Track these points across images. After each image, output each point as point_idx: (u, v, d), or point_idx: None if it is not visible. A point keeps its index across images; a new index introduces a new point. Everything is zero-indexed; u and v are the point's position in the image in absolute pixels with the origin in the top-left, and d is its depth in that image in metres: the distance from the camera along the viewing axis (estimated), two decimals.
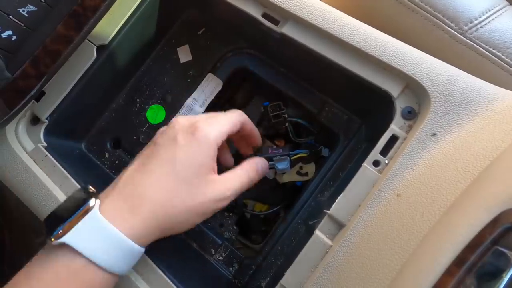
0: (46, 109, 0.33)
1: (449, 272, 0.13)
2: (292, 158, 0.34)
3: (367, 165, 0.24)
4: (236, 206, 0.39)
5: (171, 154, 0.24)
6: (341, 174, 0.33)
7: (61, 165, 0.31)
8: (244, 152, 0.35)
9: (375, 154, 0.24)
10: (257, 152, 0.34)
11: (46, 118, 0.33)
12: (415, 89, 0.24)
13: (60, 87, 0.34)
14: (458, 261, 0.13)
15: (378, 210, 0.21)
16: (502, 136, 0.18)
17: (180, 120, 0.27)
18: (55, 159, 0.32)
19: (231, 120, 0.28)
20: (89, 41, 0.34)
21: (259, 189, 0.39)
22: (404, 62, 0.24)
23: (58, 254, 0.21)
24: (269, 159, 0.33)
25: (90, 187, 0.24)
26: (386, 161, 0.24)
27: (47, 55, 0.26)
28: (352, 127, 0.34)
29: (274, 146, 0.36)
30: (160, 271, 0.27)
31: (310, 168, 0.37)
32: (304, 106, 0.36)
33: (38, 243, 0.48)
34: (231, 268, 0.34)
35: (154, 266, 0.26)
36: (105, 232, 0.22)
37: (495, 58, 0.26)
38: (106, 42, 0.34)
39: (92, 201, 0.23)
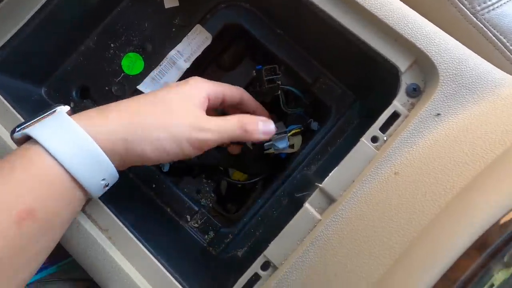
0: None
1: (468, 255, 0.13)
2: (289, 134, 0.32)
3: (365, 140, 0.23)
4: (215, 173, 0.38)
5: (160, 90, 0.24)
6: (330, 149, 0.32)
7: (15, 110, 0.27)
8: None
9: (374, 130, 0.23)
10: None
11: None
12: (424, 66, 0.23)
13: (15, 15, 0.28)
14: (479, 245, 0.13)
15: (373, 187, 0.20)
16: (503, 123, 0.18)
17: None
18: (8, 102, 0.27)
19: (229, 86, 0.28)
20: None
21: (240, 157, 0.37)
22: (417, 35, 0.22)
23: (17, 150, 0.20)
24: (267, 140, 0.30)
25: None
26: (385, 138, 0.23)
27: None
28: (345, 101, 0.33)
29: None
30: (127, 231, 0.24)
31: (297, 140, 0.36)
32: (298, 75, 0.34)
33: None
34: (206, 236, 0.33)
35: (122, 225, 0.24)
36: (67, 126, 0.20)
37: (500, 44, 0.26)
38: None
39: (60, 107, 0.22)
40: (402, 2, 0.24)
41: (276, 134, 0.30)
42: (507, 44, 0.26)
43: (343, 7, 0.24)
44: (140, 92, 0.34)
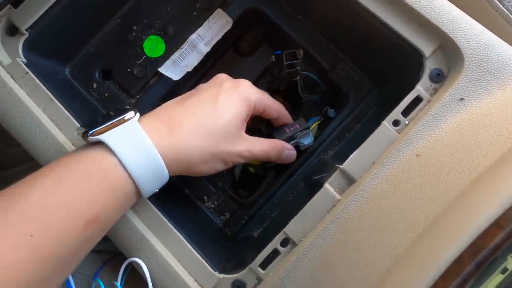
0: (26, 18, 0.28)
1: (497, 224, 0.13)
2: (311, 128, 0.32)
3: (386, 123, 0.23)
4: None
5: (214, 94, 0.25)
6: (347, 135, 0.32)
7: (45, 87, 0.27)
8: None
9: (396, 113, 0.23)
10: (273, 132, 0.32)
11: (26, 30, 0.28)
12: (449, 51, 0.23)
13: None
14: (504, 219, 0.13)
15: (395, 168, 0.21)
16: None
17: (225, 75, 0.28)
18: (38, 79, 0.28)
19: (273, 101, 0.29)
20: None
21: None
22: (444, 20, 0.22)
23: (92, 151, 0.21)
24: (291, 138, 0.31)
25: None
26: (406, 122, 0.23)
27: None
28: (363, 89, 0.33)
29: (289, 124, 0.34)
30: (153, 206, 0.25)
31: (313, 127, 0.36)
32: (316, 61, 0.34)
33: (6, 176, 0.44)
34: (222, 217, 0.34)
35: (153, 207, 0.25)
36: (141, 141, 0.22)
37: None
38: None
39: (130, 113, 0.23)
40: None
41: (299, 131, 0.31)
42: None
43: None
44: (161, 75, 0.34)
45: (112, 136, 0.21)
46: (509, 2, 0.26)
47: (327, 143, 0.33)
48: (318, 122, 0.33)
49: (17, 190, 0.20)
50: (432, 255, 0.14)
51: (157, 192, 0.31)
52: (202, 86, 0.27)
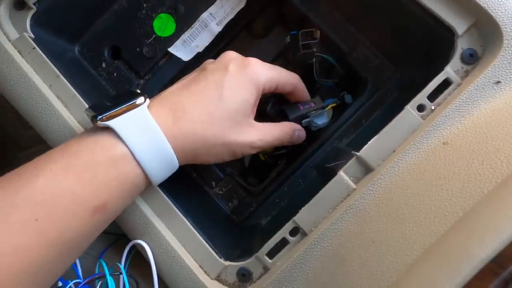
0: None
1: None
2: (326, 109, 0.30)
3: (410, 108, 0.21)
4: None
5: (220, 78, 0.23)
6: (364, 122, 0.30)
7: (53, 63, 0.27)
8: None
9: (421, 97, 0.21)
10: (286, 109, 0.30)
11: (34, 4, 0.28)
12: (485, 29, 0.21)
13: None
14: None
15: (418, 157, 0.19)
16: None
17: (233, 53, 0.26)
18: (45, 55, 0.27)
19: (286, 73, 0.27)
20: None
21: None
22: None
23: (100, 137, 0.21)
24: (304, 116, 0.29)
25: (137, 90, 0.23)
26: (433, 107, 0.21)
27: None
28: (384, 73, 0.31)
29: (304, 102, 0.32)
30: (163, 194, 0.24)
31: (328, 113, 0.35)
32: (335, 43, 0.32)
33: (21, 157, 0.45)
34: (230, 204, 0.33)
35: (159, 191, 0.24)
36: (150, 129, 0.21)
37: None
38: None
39: (141, 99, 0.22)
40: None
41: (313, 110, 0.29)
42: None
43: None
44: (171, 55, 0.33)
45: (121, 123, 0.21)
46: None
47: (343, 130, 0.31)
48: (334, 104, 0.31)
49: (25, 175, 0.19)
50: (464, 252, 0.12)
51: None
52: (208, 66, 0.25)
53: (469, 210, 0.14)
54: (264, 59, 0.29)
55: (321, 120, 0.29)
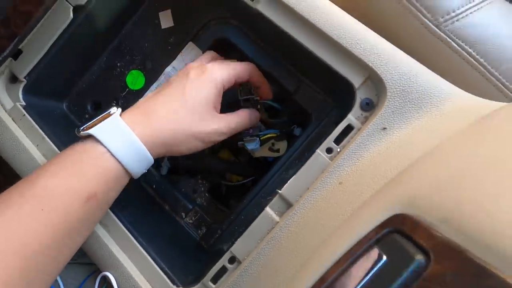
0: (24, 67, 0.34)
1: (338, 263, 0.15)
2: (262, 138, 0.35)
3: (320, 151, 0.25)
4: (210, 175, 0.42)
5: (182, 85, 0.28)
6: (306, 155, 0.34)
7: (39, 126, 0.33)
8: None
9: (329, 141, 0.25)
10: None
11: (24, 77, 0.34)
12: (376, 81, 0.24)
13: (38, 47, 0.34)
14: (347, 255, 0.15)
15: (320, 195, 0.23)
16: (433, 139, 0.19)
17: (193, 64, 0.31)
18: (34, 119, 0.33)
19: (239, 67, 0.31)
20: (66, 0, 0.33)
21: (234, 162, 0.41)
22: (368, 53, 0.24)
23: (85, 143, 0.26)
24: (240, 139, 0.34)
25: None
26: (339, 149, 0.25)
27: (18, 16, 0.26)
28: (325, 108, 0.35)
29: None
30: (123, 227, 0.29)
31: (282, 145, 0.39)
32: (280, 84, 0.36)
33: None
34: (199, 231, 0.37)
35: (119, 222, 0.29)
36: (122, 131, 0.26)
37: (466, 54, 0.26)
38: (83, 3, 0.33)
39: (113, 109, 0.27)
40: (359, 22, 0.25)
41: (249, 135, 0.34)
42: (473, 54, 0.26)
43: (301, 28, 0.26)
44: None
45: (98, 129, 0.26)
46: (446, 27, 0.26)
47: (290, 162, 0.35)
48: (273, 135, 0.36)
49: (31, 177, 0.25)
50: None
51: (138, 208, 0.36)
52: (173, 77, 0.30)
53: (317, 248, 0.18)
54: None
55: (251, 146, 0.34)
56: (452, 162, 0.16)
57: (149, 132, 0.27)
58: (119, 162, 0.26)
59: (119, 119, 0.27)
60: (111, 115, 0.27)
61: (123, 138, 0.26)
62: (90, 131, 0.26)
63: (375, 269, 0.14)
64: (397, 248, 0.14)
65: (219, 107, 0.30)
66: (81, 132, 0.27)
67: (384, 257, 0.14)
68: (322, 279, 0.16)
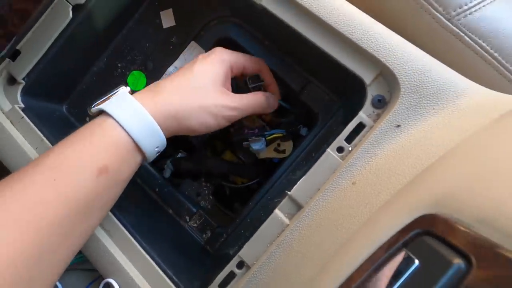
0: (22, 69, 0.33)
1: (361, 268, 0.14)
2: (267, 138, 0.34)
3: (330, 151, 0.24)
4: (212, 177, 0.41)
5: (190, 65, 0.29)
6: (314, 155, 0.33)
7: (38, 128, 0.32)
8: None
9: (340, 140, 0.24)
10: (234, 130, 0.34)
11: (23, 79, 0.33)
12: (388, 78, 0.24)
13: (36, 47, 0.33)
14: (371, 259, 0.14)
15: (333, 196, 0.22)
16: (454, 135, 0.18)
17: (202, 54, 0.31)
18: (33, 122, 0.32)
19: (249, 57, 0.32)
20: None
21: (238, 164, 0.40)
22: (380, 48, 0.23)
23: (95, 120, 0.27)
24: (245, 139, 0.33)
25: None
26: (350, 148, 0.24)
27: (15, 14, 0.26)
28: (331, 108, 0.34)
29: (251, 127, 0.36)
30: (125, 231, 0.28)
31: (288, 146, 0.38)
32: (286, 83, 0.35)
33: None
34: (204, 235, 0.36)
35: (121, 226, 0.28)
36: (130, 104, 0.26)
37: (479, 49, 0.25)
38: (83, 1, 0.33)
39: (122, 87, 0.28)
40: (368, 16, 0.24)
41: (254, 135, 0.33)
42: (487, 48, 0.25)
43: (309, 23, 0.25)
44: None
45: (108, 104, 0.26)
46: (459, 21, 0.25)
47: (297, 163, 0.34)
48: (279, 135, 0.35)
49: (46, 153, 0.25)
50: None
51: (142, 212, 0.35)
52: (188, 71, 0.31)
53: (336, 252, 0.17)
54: None
55: (256, 146, 0.33)
56: (483, 158, 0.15)
57: (158, 105, 0.27)
58: (129, 135, 0.25)
59: (127, 94, 0.27)
60: (120, 92, 0.27)
61: (131, 111, 0.26)
62: (100, 106, 0.26)
63: (407, 274, 0.13)
64: (429, 251, 0.13)
65: (229, 87, 0.30)
66: (92, 109, 0.27)
67: (416, 261, 0.13)
68: (348, 282, 0.15)
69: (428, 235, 0.14)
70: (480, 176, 0.14)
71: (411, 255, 0.13)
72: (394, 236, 0.15)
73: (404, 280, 0.13)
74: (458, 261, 0.12)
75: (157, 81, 0.29)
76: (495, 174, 0.14)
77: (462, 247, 0.13)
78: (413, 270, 0.13)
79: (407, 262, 0.13)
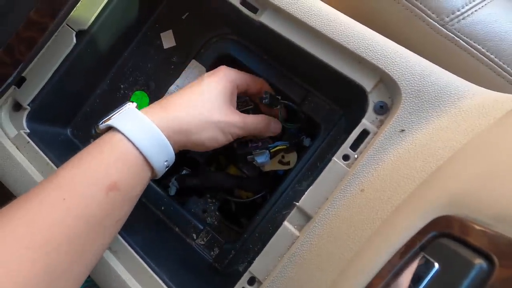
0: (27, 95, 0.33)
1: (380, 275, 0.14)
2: (271, 150, 0.34)
3: (336, 159, 0.24)
4: (218, 193, 0.40)
5: (198, 83, 0.30)
6: (319, 165, 0.33)
7: (44, 152, 0.32)
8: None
9: (345, 148, 0.24)
10: (238, 144, 0.34)
11: (28, 105, 0.33)
12: (388, 84, 0.24)
13: (41, 73, 0.33)
14: (389, 265, 0.14)
15: (342, 204, 0.22)
16: (460, 136, 0.18)
17: (208, 72, 0.32)
18: (38, 146, 0.32)
19: (252, 76, 0.33)
20: (68, 26, 0.33)
21: (242, 177, 0.40)
22: (378, 56, 0.24)
23: (103, 136, 0.27)
24: (249, 153, 0.33)
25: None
26: (356, 156, 0.24)
27: (21, 42, 0.26)
28: (333, 117, 0.34)
29: (254, 141, 0.36)
30: (133, 252, 0.28)
31: (292, 157, 0.38)
32: (287, 95, 0.36)
33: None
34: (212, 252, 0.36)
35: (129, 247, 0.28)
36: (138, 118, 0.26)
37: (475, 52, 0.26)
38: (86, 27, 0.34)
39: (129, 103, 0.28)
40: (365, 26, 0.25)
41: (258, 149, 0.33)
42: (483, 50, 0.26)
43: (307, 36, 0.26)
44: None
45: (115, 119, 0.27)
46: (453, 26, 0.26)
47: (302, 173, 0.34)
48: (283, 146, 0.35)
49: (54, 173, 0.25)
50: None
51: (149, 232, 0.34)
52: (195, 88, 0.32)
53: (350, 260, 0.16)
54: None
55: (261, 159, 0.33)
56: (493, 156, 0.15)
57: (166, 119, 0.27)
58: (138, 149, 0.25)
59: (135, 109, 0.27)
60: (127, 108, 0.28)
61: (140, 125, 0.26)
62: (109, 123, 0.27)
63: (428, 278, 0.13)
64: (448, 253, 0.13)
65: (235, 105, 0.31)
66: (100, 126, 0.27)
67: (436, 264, 0.13)
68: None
69: (445, 237, 0.14)
70: (492, 174, 0.14)
71: (430, 258, 0.13)
72: (410, 240, 0.14)
73: (425, 284, 0.13)
74: (479, 262, 0.12)
75: (165, 97, 0.30)
76: (508, 170, 0.14)
77: (482, 247, 0.12)
78: (434, 273, 0.13)
79: (426, 266, 0.13)
